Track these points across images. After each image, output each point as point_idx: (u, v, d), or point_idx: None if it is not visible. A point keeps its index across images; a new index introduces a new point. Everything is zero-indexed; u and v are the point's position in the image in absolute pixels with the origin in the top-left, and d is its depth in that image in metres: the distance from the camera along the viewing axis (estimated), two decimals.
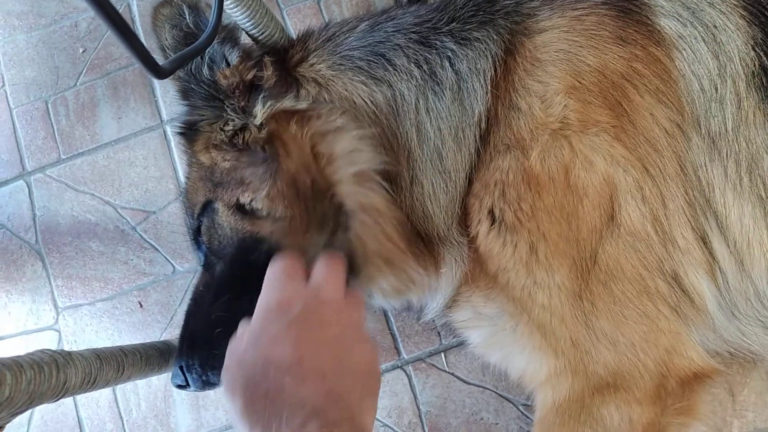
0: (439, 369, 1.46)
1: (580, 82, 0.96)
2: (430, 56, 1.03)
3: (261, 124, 1.04)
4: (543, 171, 0.95)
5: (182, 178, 1.61)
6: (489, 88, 1.00)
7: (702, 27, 0.96)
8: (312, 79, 1.06)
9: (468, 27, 1.03)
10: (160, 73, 0.76)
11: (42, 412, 1.61)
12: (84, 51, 1.86)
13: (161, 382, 1.57)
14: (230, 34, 1.08)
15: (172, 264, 1.66)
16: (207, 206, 1.09)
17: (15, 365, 0.92)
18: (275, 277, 0.92)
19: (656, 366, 0.95)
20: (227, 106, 1.06)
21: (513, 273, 0.98)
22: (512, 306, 1.01)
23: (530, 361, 1.02)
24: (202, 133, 1.10)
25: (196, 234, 1.13)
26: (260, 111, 1.03)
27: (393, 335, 1.50)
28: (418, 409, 1.44)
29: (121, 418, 1.58)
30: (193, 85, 1.09)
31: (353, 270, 1.06)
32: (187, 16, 1.06)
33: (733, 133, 0.94)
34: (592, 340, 0.95)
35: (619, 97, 0.95)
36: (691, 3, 0.97)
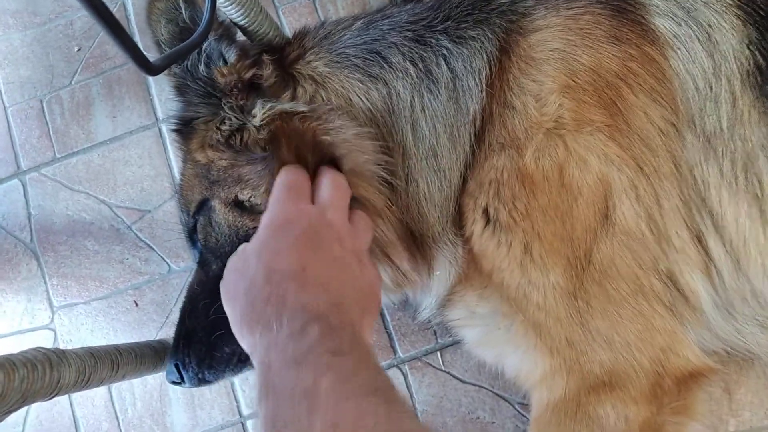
0: (435, 368, 1.46)
1: (574, 81, 0.96)
2: (425, 54, 1.02)
3: (260, 125, 1.03)
4: (537, 170, 0.95)
5: (177, 177, 1.61)
6: (484, 86, 1.00)
7: (697, 26, 0.96)
8: (309, 77, 1.06)
9: (463, 25, 1.03)
10: (152, 69, 0.75)
11: (37, 410, 1.60)
12: (79, 50, 1.85)
13: (157, 381, 1.57)
14: (227, 31, 1.06)
15: (167, 263, 1.65)
16: (203, 204, 1.09)
17: (8, 363, 0.92)
18: (280, 193, 0.92)
19: (652, 365, 0.95)
20: (224, 104, 1.05)
21: (507, 272, 0.98)
22: (507, 305, 1.01)
23: (525, 360, 1.02)
24: (198, 132, 1.09)
25: (191, 232, 1.13)
26: (260, 113, 1.02)
27: (389, 334, 1.50)
28: (414, 408, 1.44)
29: (117, 417, 1.58)
30: (188, 82, 1.08)
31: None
32: (183, 11, 1.05)
33: (728, 131, 0.94)
34: (588, 339, 0.95)
35: (614, 96, 0.95)
36: (686, 2, 0.97)
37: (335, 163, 0.99)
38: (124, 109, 1.78)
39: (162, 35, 1.07)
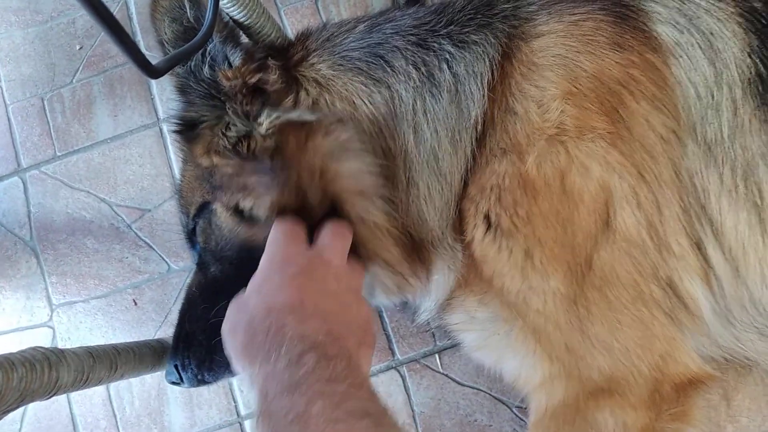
0: (433, 370, 1.46)
1: (576, 88, 0.96)
2: (428, 58, 1.02)
3: (266, 134, 1.02)
4: (539, 176, 0.95)
5: (177, 177, 1.60)
6: (486, 91, 1.00)
7: (699, 34, 0.96)
8: (313, 79, 1.06)
9: (466, 30, 1.03)
10: (153, 72, 0.74)
11: (35, 409, 1.60)
12: (81, 48, 1.85)
13: (155, 380, 1.57)
14: (231, 33, 1.06)
15: (167, 262, 1.65)
16: (204, 207, 1.09)
17: (6, 363, 0.92)
18: (278, 237, 0.95)
19: (651, 371, 0.95)
20: (228, 109, 1.04)
21: (508, 278, 0.98)
22: (506, 311, 1.01)
23: (524, 365, 1.02)
24: (203, 137, 1.08)
25: (191, 234, 1.13)
26: (266, 121, 1.02)
27: (387, 336, 1.50)
28: (412, 410, 1.44)
29: (115, 415, 1.58)
30: (191, 83, 1.07)
31: (358, 252, 1.07)
32: (188, 10, 1.03)
33: (729, 140, 0.94)
34: (587, 345, 0.95)
35: (616, 103, 0.95)
36: (688, 10, 0.97)
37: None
38: (126, 108, 1.78)
39: (165, 35, 1.06)
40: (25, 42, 1.89)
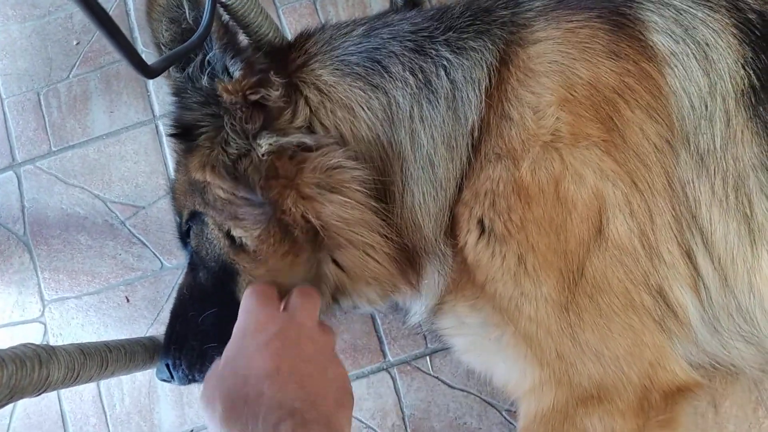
0: (424, 372, 1.47)
1: (572, 95, 0.96)
2: (425, 65, 1.03)
3: (263, 155, 1.02)
4: (533, 182, 0.95)
5: (172, 175, 1.60)
6: (483, 98, 1.00)
7: (694, 44, 0.96)
8: (314, 85, 1.06)
9: (464, 36, 1.03)
10: (149, 72, 0.73)
11: (25, 404, 1.60)
12: (78, 43, 1.85)
13: (146, 377, 1.57)
14: (232, 39, 1.03)
15: (160, 260, 1.65)
16: (197, 215, 1.10)
17: None
18: (250, 303, 0.95)
19: (640, 379, 0.96)
20: (227, 124, 1.03)
21: (501, 284, 0.99)
22: (498, 316, 1.02)
23: (514, 370, 1.03)
24: (200, 149, 1.06)
25: (185, 235, 1.13)
26: (266, 144, 1.02)
27: (379, 338, 1.50)
28: (402, 412, 1.44)
29: (105, 412, 1.57)
30: (189, 89, 1.06)
31: (332, 297, 1.12)
32: (187, 10, 1.00)
33: (721, 150, 0.94)
34: (578, 352, 0.96)
35: (611, 111, 0.95)
36: (684, 20, 0.98)
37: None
38: (122, 105, 1.78)
39: (163, 37, 1.03)
40: (22, 36, 1.89)
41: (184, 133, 1.09)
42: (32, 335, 1.64)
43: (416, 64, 1.02)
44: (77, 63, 1.83)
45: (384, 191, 1.04)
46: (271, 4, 1.78)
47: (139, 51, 1.75)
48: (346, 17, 1.74)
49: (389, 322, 1.51)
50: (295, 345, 0.88)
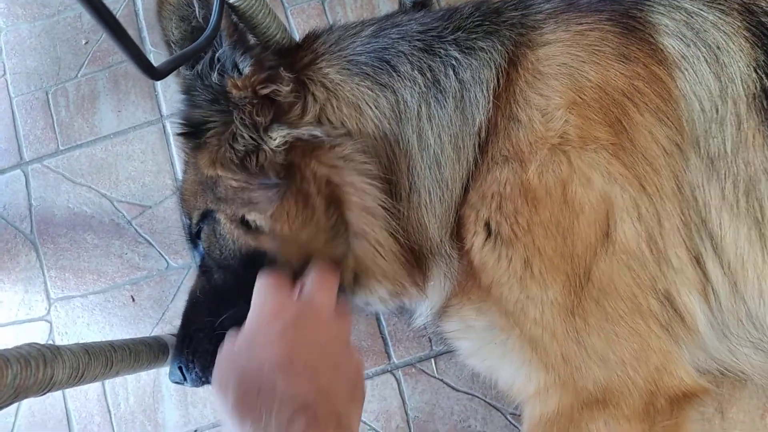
0: (428, 375, 1.46)
1: (581, 98, 0.96)
2: (433, 64, 1.02)
3: (276, 149, 1.01)
4: (540, 185, 0.95)
5: (179, 176, 1.61)
6: (491, 98, 0.99)
7: (705, 48, 0.95)
8: (321, 83, 1.05)
9: (473, 36, 1.03)
10: (155, 74, 0.73)
11: (30, 403, 1.60)
12: (86, 43, 1.86)
13: (150, 377, 1.57)
14: (241, 37, 1.03)
15: (166, 259, 1.65)
16: (207, 215, 1.09)
17: (1, 359, 0.92)
18: (264, 289, 0.94)
19: (646, 384, 0.95)
20: (235, 118, 1.03)
21: (507, 287, 0.98)
22: (504, 320, 1.01)
23: (519, 374, 1.02)
24: (209, 146, 1.06)
25: (195, 237, 1.12)
26: (279, 137, 1.01)
27: (384, 339, 1.50)
28: (406, 414, 1.44)
29: (109, 411, 1.58)
30: (198, 87, 1.05)
31: (352, 282, 1.09)
32: (197, 9, 1.00)
33: (732, 154, 0.93)
34: (583, 356, 0.95)
35: (620, 114, 0.95)
36: (695, 23, 0.97)
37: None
38: (129, 104, 1.78)
39: (173, 35, 1.03)
40: (31, 35, 1.90)
41: (193, 131, 1.08)
42: (38, 334, 1.65)
43: (425, 63, 1.02)
44: (86, 62, 1.84)
45: (390, 190, 1.04)
46: (280, 5, 1.78)
47: (147, 51, 1.77)
48: (355, 18, 1.74)
49: (394, 324, 1.51)
50: (311, 334, 0.87)
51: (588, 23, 1.00)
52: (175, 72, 1.04)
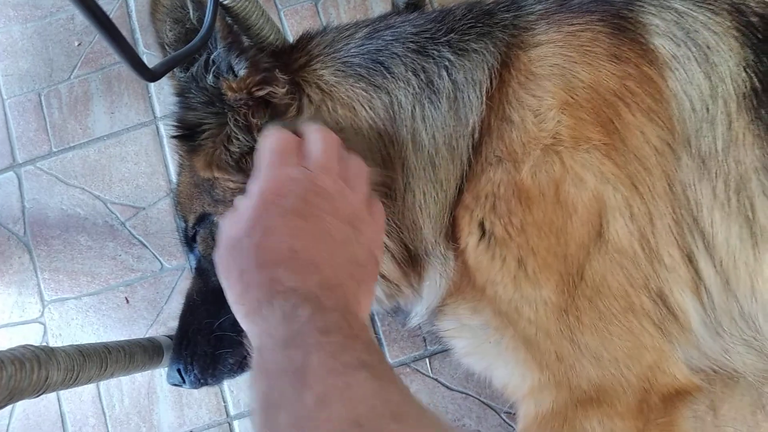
0: (423, 374, 1.47)
1: (573, 98, 0.96)
2: (427, 65, 1.02)
3: None
4: (534, 185, 0.95)
5: (174, 178, 1.61)
6: (484, 99, 1.00)
7: (695, 48, 0.96)
8: (315, 85, 1.05)
9: (466, 38, 1.03)
10: (150, 75, 0.72)
11: (24, 405, 1.60)
12: (79, 44, 1.85)
13: (145, 378, 1.57)
14: (236, 39, 1.02)
15: (160, 261, 1.65)
16: (204, 218, 1.09)
17: None
18: (268, 159, 0.88)
19: (639, 382, 0.96)
20: (230, 120, 1.02)
21: (501, 287, 0.98)
22: (498, 319, 1.01)
23: (514, 373, 1.02)
24: (204, 148, 1.06)
25: (191, 240, 1.12)
26: None
27: (378, 339, 1.51)
28: None
29: (104, 413, 1.58)
30: (192, 89, 1.05)
31: None
32: (191, 11, 0.99)
33: (722, 153, 0.94)
34: (577, 354, 0.95)
35: (611, 114, 0.95)
36: (685, 24, 0.97)
37: None
38: (123, 106, 1.78)
39: (167, 37, 1.02)
40: (23, 37, 1.89)
41: (188, 134, 1.08)
42: (32, 336, 1.65)
43: (418, 64, 1.02)
44: (78, 64, 1.84)
45: (385, 192, 1.04)
46: (273, 6, 1.78)
47: (141, 53, 1.76)
48: (348, 19, 1.74)
49: (388, 324, 1.51)
50: (315, 219, 0.82)
51: (580, 24, 1.01)
52: (169, 74, 1.04)
